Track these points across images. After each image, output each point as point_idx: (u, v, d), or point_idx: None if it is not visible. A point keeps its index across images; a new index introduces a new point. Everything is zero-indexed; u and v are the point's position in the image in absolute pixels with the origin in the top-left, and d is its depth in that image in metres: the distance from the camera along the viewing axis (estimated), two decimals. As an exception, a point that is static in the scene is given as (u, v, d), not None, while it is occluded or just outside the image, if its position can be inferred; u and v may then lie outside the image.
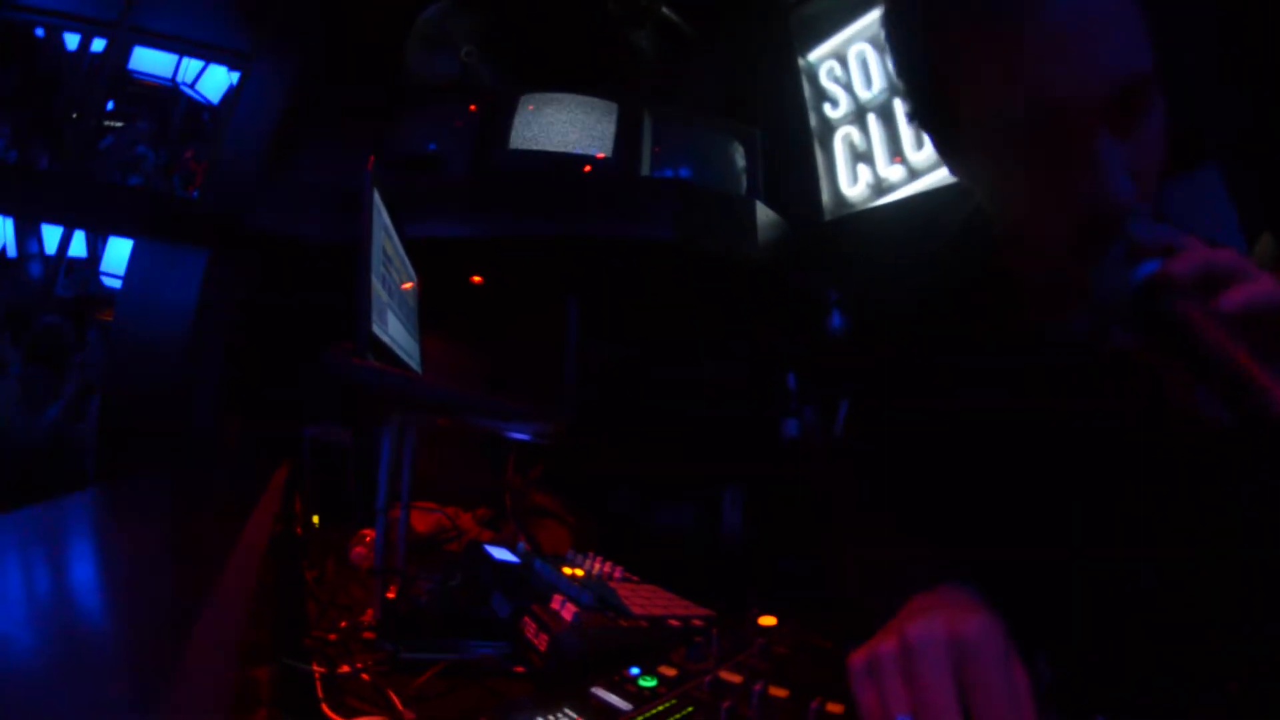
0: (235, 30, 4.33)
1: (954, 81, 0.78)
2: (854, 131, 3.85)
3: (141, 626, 0.56)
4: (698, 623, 1.20)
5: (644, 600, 1.30)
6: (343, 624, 1.22)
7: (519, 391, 3.66)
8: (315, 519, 1.87)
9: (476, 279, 3.95)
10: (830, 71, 4.01)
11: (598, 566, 1.50)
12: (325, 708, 0.87)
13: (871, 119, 3.77)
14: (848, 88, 3.91)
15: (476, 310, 3.93)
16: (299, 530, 1.79)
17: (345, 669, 1.01)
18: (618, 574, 1.49)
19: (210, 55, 4.51)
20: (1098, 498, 0.85)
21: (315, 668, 0.97)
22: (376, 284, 1.37)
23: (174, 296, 4.03)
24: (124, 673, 0.45)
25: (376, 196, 1.42)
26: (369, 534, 1.68)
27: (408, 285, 1.86)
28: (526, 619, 1.10)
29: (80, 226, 4.69)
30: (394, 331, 1.55)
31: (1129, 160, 0.73)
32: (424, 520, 1.94)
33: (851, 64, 3.89)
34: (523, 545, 1.55)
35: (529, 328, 3.97)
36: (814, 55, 4.09)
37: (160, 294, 4.04)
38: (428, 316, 2.14)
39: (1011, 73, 0.73)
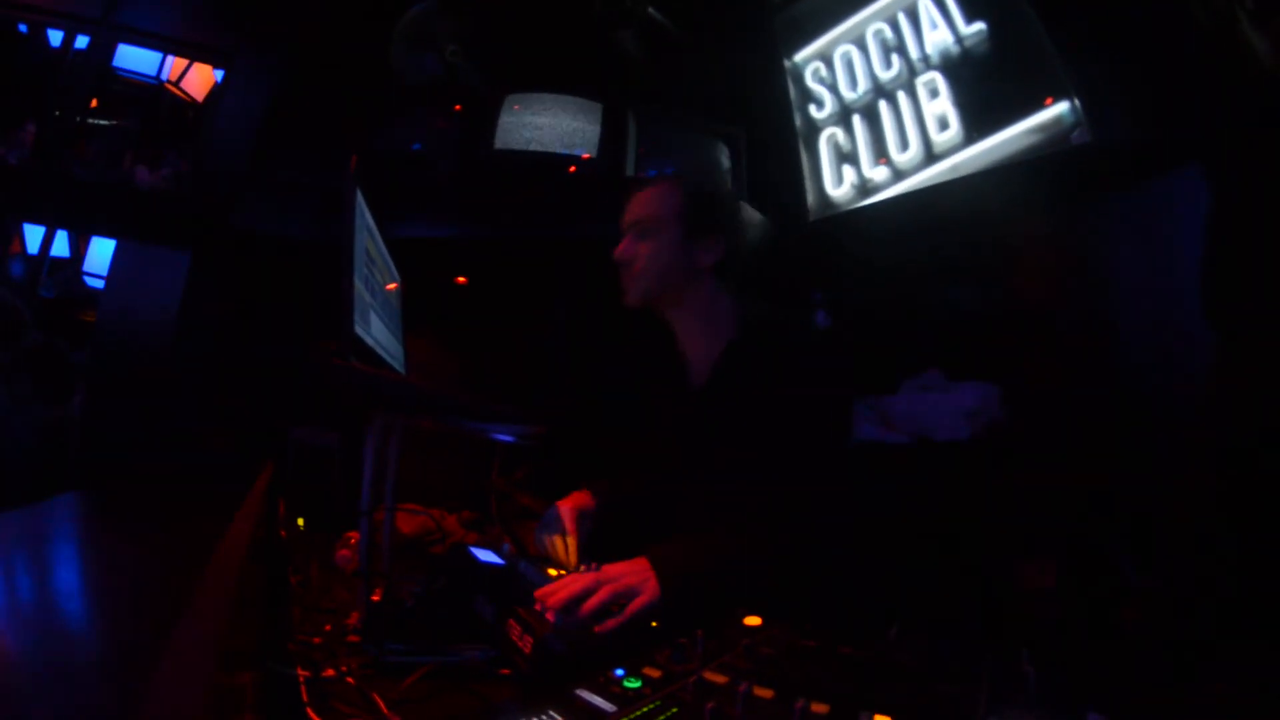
0: (219, 28, 4.30)
1: None
2: (839, 132, 3.86)
3: (122, 631, 0.55)
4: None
5: (629, 601, 1.29)
6: (327, 628, 1.22)
7: (504, 392, 3.65)
8: (300, 522, 1.86)
9: (461, 280, 3.95)
10: (815, 72, 4.01)
11: (583, 568, 1.50)
12: (310, 712, 0.86)
13: (856, 120, 3.78)
14: (833, 89, 3.92)
15: (461, 311, 3.92)
16: (283, 533, 1.78)
17: (330, 673, 1.00)
18: (603, 575, 1.48)
19: (194, 53, 4.48)
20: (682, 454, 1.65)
21: (300, 672, 0.97)
22: (359, 285, 1.36)
23: (157, 297, 4.00)
24: (104, 678, 0.44)
25: (359, 197, 1.42)
26: (353, 537, 1.68)
27: (391, 286, 1.86)
28: (511, 621, 1.10)
29: (62, 226, 4.64)
30: (377, 332, 1.55)
31: (636, 250, 1.61)
32: (409, 523, 1.94)
33: (837, 65, 3.90)
34: (507, 547, 1.55)
35: (514, 328, 3.97)
36: (799, 56, 4.10)
37: (143, 294, 4.02)
38: (412, 317, 2.13)
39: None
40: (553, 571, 1.40)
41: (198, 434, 3.69)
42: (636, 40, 3.91)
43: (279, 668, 0.95)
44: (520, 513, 2.19)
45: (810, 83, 4.02)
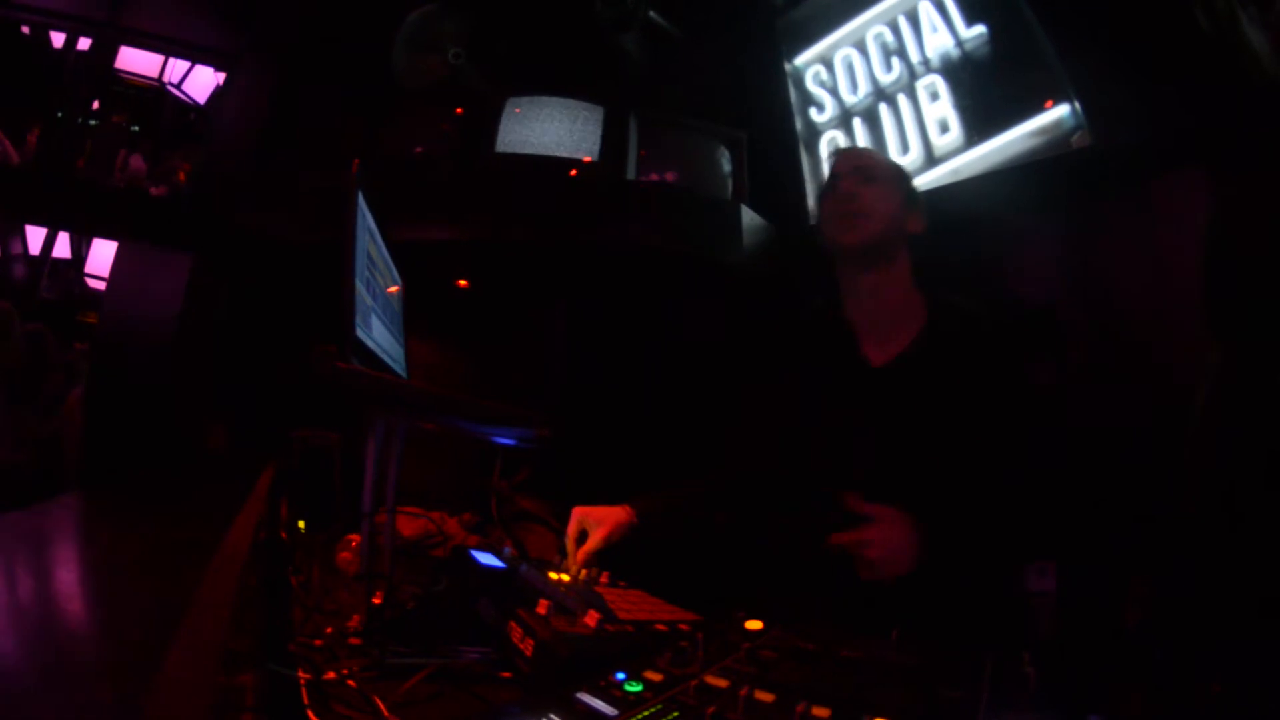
0: (222, 31, 4.31)
1: None
2: (839, 135, 3.87)
3: (124, 632, 0.55)
4: (684, 627, 1.20)
5: (630, 605, 1.30)
6: (328, 630, 1.21)
7: (505, 395, 3.65)
8: (301, 524, 1.86)
9: (462, 283, 3.95)
10: (816, 76, 4.02)
11: (584, 571, 1.50)
12: (310, 714, 0.86)
13: (857, 123, 3.79)
14: (833, 92, 3.92)
15: (462, 314, 3.92)
16: (284, 535, 1.78)
17: (331, 675, 1.00)
18: (604, 579, 1.49)
19: (197, 55, 4.48)
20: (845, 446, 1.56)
21: (301, 674, 0.97)
22: (360, 287, 1.36)
23: (159, 298, 4.01)
24: (106, 678, 0.44)
25: (361, 199, 1.42)
26: (355, 539, 1.68)
27: (392, 289, 1.86)
28: (512, 624, 1.10)
29: (64, 228, 4.65)
30: (378, 335, 1.55)
31: (863, 190, 1.63)
32: (410, 525, 1.94)
33: (837, 68, 3.91)
34: (509, 550, 1.55)
35: (515, 331, 3.97)
36: (800, 60, 4.11)
37: (145, 296, 4.02)
38: (413, 320, 2.13)
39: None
40: (553, 575, 1.40)
41: (199, 435, 3.69)
42: (638, 44, 3.91)
43: (279, 669, 0.95)
44: (521, 516, 2.19)
45: (811, 86, 4.03)
